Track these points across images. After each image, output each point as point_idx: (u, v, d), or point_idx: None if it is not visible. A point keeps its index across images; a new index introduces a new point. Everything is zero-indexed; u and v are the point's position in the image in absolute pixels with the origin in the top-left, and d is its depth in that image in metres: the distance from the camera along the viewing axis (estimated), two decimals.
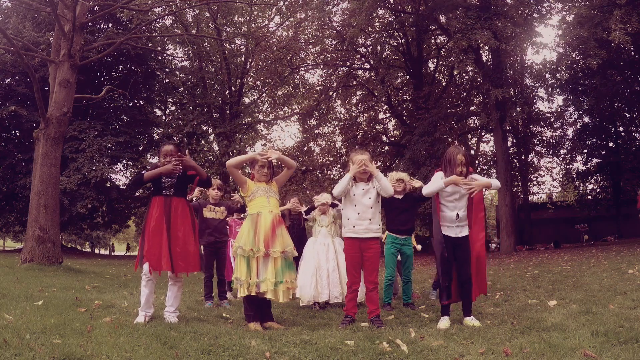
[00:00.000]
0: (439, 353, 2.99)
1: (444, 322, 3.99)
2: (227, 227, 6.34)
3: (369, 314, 4.25)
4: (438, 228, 4.16)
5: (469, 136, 27.54)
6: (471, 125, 25.05)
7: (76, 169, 20.52)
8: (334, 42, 23.75)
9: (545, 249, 19.63)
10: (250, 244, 4.11)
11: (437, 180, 4.16)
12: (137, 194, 25.58)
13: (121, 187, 24.27)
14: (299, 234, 6.12)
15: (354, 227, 4.30)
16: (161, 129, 25.92)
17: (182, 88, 26.42)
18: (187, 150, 4.68)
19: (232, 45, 24.87)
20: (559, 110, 25.13)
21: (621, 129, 25.11)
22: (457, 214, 4.17)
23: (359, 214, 4.29)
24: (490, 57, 20.86)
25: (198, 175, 4.48)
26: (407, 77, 25.78)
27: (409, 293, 5.53)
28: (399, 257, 6.18)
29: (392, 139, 27.17)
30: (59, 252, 10.40)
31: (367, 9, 17.09)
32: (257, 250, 4.08)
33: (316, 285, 5.43)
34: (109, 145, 21.48)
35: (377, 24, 22.49)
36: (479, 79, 22.63)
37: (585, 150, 25.23)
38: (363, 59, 24.91)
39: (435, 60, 25.84)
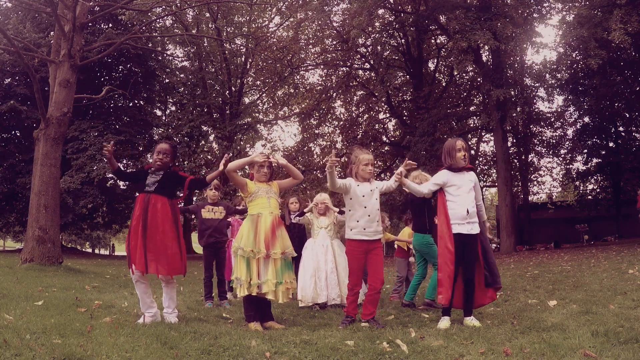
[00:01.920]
0: (439, 353, 2.99)
1: (445, 322, 3.96)
2: (230, 227, 6.33)
3: (365, 315, 4.20)
4: (447, 226, 4.03)
5: (469, 136, 27.54)
6: (471, 125, 25.05)
7: (78, 168, 20.57)
8: (334, 42, 23.76)
9: (545, 249, 19.63)
10: (250, 245, 4.10)
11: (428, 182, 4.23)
12: (137, 194, 25.55)
13: (121, 186, 24.27)
14: (300, 234, 6.11)
15: (364, 229, 4.20)
16: (161, 129, 25.93)
17: (182, 88, 26.42)
18: (229, 155, 4.67)
19: (232, 46, 24.88)
20: (559, 110, 25.14)
21: (621, 129, 25.10)
22: (467, 210, 4.04)
23: (369, 215, 4.22)
24: (490, 57, 20.87)
25: (191, 177, 4.42)
26: (407, 77, 25.79)
27: (415, 293, 5.52)
28: (412, 259, 6.27)
29: (392, 139, 27.17)
30: (59, 252, 10.40)
31: (368, 8, 17.09)
32: (257, 252, 4.08)
33: (315, 287, 5.42)
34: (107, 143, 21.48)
35: (377, 24, 22.49)
36: (479, 79, 22.63)
37: (585, 150, 25.22)
38: (363, 59, 24.91)
39: (435, 60, 25.85)
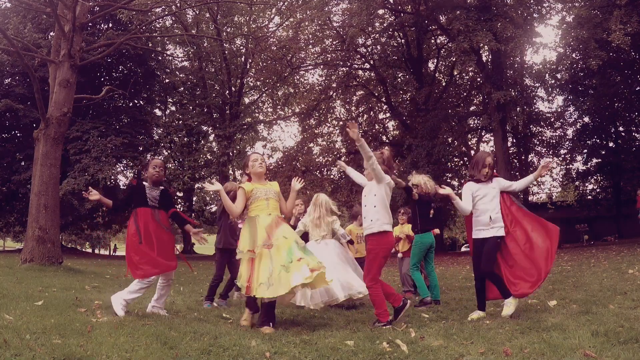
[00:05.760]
0: (439, 353, 2.99)
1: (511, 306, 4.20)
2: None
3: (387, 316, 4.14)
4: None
5: (469, 136, 27.54)
6: (471, 125, 25.05)
7: (82, 170, 20.56)
8: (334, 42, 23.74)
9: None
10: (248, 245, 4.05)
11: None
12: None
13: (121, 186, 24.26)
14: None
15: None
16: (161, 129, 25.94)
17: (182, 88, 26.43)
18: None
19: (232, 46, 24.89)
20: (559, 110, 25.15)
21: (621, 129, 25.12)
22: (490, 217, 4.34)
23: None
24: (490, 57, 20.87)
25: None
26: (407, 77, 25.78)
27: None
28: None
29: (392, 138, 27.16)
30: (59, 252, 10.39)
31: (368, 8, 17.09)
32: (257, 247, 3.99)
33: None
34: (111, 145, 21.47)
35: (377, 24, 22.47)
36: (478, 79, 22.63)
37: (585, 150, 25.23)
38: (363, 59, 24.90)
39: (435, 60, 25.84)
